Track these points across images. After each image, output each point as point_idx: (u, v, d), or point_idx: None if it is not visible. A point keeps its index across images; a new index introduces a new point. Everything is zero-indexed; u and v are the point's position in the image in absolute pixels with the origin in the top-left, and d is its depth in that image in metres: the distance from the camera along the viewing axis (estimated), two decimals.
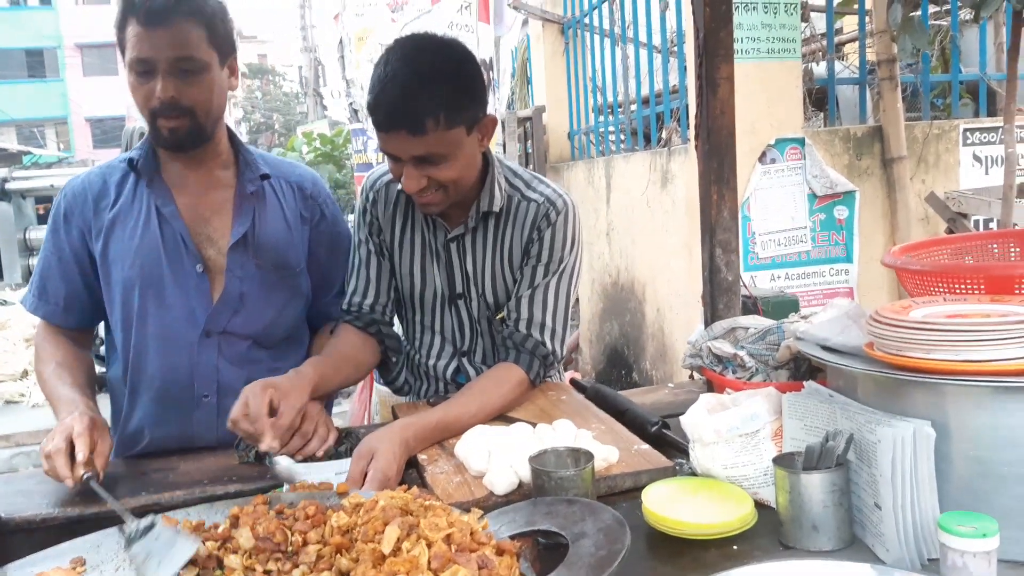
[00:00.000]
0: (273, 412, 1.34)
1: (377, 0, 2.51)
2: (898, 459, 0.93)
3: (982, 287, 1.08)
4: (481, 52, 2.65)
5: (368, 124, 2.58)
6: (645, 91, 4.67)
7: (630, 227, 4.49)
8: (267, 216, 1.63)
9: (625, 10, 4.82)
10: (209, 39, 1.49)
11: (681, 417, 1.23)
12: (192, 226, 1.58)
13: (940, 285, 1.12)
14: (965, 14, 4.30)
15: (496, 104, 5.69)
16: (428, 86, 1.38)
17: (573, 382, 1.76)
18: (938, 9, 4.50)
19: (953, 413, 0.95)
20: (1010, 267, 1.17)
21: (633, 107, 4.82)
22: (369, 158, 2.56)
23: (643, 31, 4.58)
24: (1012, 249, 1.31)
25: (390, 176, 1.59)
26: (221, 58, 1.53)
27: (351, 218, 1.79)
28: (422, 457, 1.33)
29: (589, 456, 1.12)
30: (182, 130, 1.50)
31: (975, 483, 0.94)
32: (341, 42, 2.59)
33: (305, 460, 1.34)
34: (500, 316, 1.65)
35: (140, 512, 1.24)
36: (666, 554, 1.03)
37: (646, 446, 1.32)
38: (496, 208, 1.60)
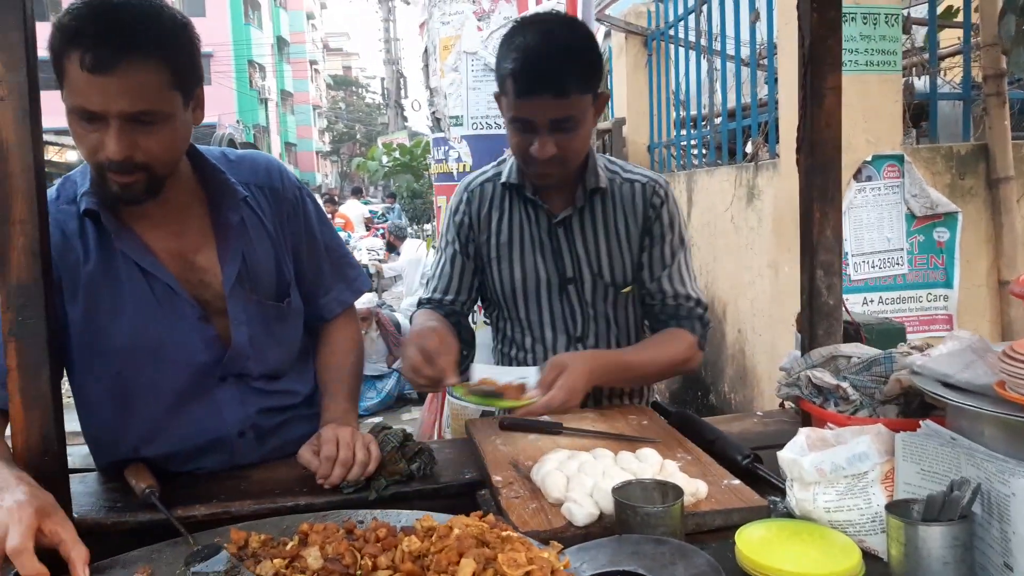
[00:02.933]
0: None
1: (463, 9, 2.51)
2: None
3: None
4: None
5: (451, 132, 2.59)
6: (730, 104, 4.53)
7: (712, 244, 4.35)
8: (253, 243, 1.46)
9: (712, 21, 4.70)
10: (171, 79, 1.23)
11: (778, 452, 1.13)
12: (180, 275, 1.39)
13: None
14: None
15: None
16: (571, 54, 1.49)
17: (655, 405, 1.67)
18: None
19: None
20: None
21: (718, 120, 4.68)
22: (450, 167, 2.56)
23: (730, 43, 4.45)
24: None
25: (486, 176, 1.76)
26: (185, 97, 1.28)
27: (428, 227, 1.87)
28: (497, 479, 1.27)
29: (679, 491, 1.04)
30: (138, 186, 1.26)
31: None
32: (426, 51, 2.60)
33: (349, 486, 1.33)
34: (626, 290, 1.73)
35: (209, 521, 1.22)
36: None
37: (737, 481, 1.22)
38: (602, 185, 1.67)
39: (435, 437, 3.21)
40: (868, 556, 1.00)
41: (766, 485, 1.25)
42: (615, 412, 1.58)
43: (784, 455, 1.11)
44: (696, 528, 1.12)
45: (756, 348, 3.85)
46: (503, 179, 1.72)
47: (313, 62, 51.06)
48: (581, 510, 1.10)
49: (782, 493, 1.15)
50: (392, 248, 10.23)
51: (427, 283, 1.81)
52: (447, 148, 2.81)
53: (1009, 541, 0.85)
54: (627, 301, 1.75)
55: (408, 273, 8.03)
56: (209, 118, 1.48)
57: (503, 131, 2.72)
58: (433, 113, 2.83)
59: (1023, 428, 0.90)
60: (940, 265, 3.40)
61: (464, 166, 2.86)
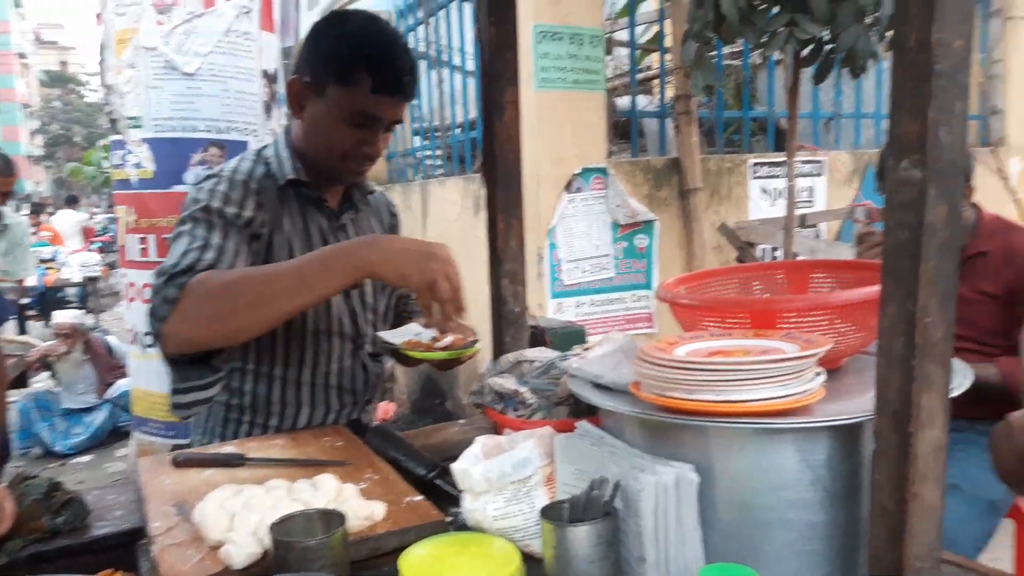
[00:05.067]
0: None
1: None
2: (661, 508, 0.87)
3: (748, 321, 1.06)
4: (265, 63, 2.45)
5: (129, 135, 2.31)
6: (461, 116, 4.64)
7: None
8: None
9: (440, 34, 4.78)
10: None
11: (452, 464, 1.12)
12: None
13: (708, 319, 1.10)
14: (756, 57, 4.64)
15: None
16: (411, 55, 1.50)
17: (355, 424, 1.62)
18: (733, 50, 4.82)
19: (717, 457, 0.90)
20: (771, 302, 1.17)
21: (450, 131, 4.77)
22: (127, 173, 2.23)
23: (459, 56, 4.56)
24: (781, 280, 1.32)
25: (259, 171, 1.54)
26: None
27: None
28: (155, 525, 1.13)
29: (340, 520, 0.98)
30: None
31: (739, 529, 0.90)
32: (102, 45, 2.28)
33: None
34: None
35: None
36: None
37: (419, 497, 1.19)
38: (372, 189, 1.71)
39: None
40: (533, 560, 1.01)
41: (450, 499, 1.23)
42: (307, 435, 1.49)
43: (457, 466, 1.10)
44: (371, 553, 1.07)
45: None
46: (283, 176, 1.53)
47: (22, 55, 45.12)
48: (241, 551, 1.00)
49: None
50: (115, 265, 9.26)
51: (186, 260, 1.37)
52: (125, 152, 2.53)
53: (641, 535, 0.89)
54: (395, 302, 1.76)
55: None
56: None
57: (191, 134, 2.49)
58: (109, 113, 2.54)
59: (655, 426, 0.96)
60: (642, 269, 3.72)
61: (145, 172, 2.59)
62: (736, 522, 0.90)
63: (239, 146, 2.52)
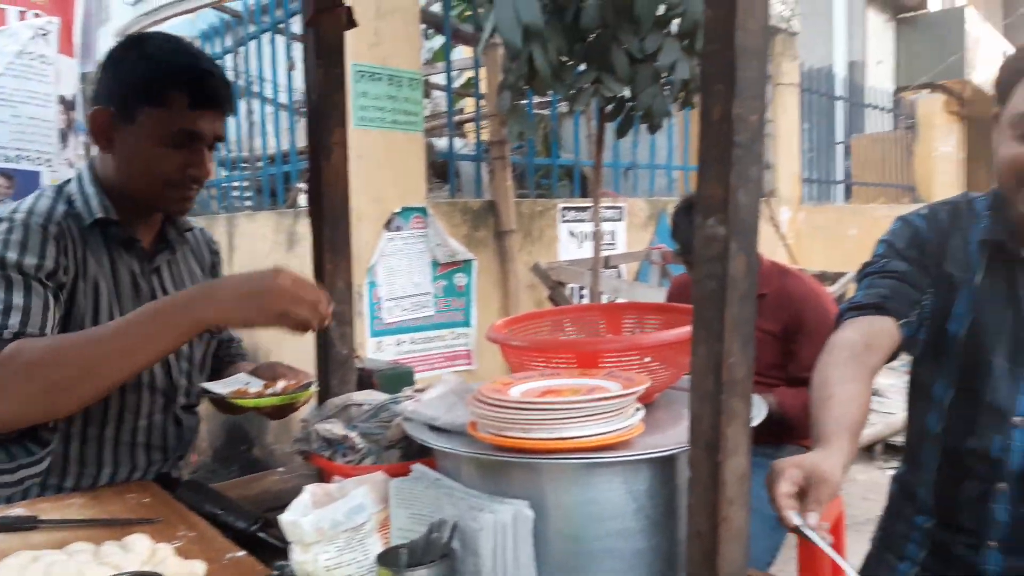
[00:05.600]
0: None
1: None
2: (499, 546, 0.90)
3: (573, 361, 1.13)
4: (63, 88, 2.27)
5: None
6: (272, 148, 4.51)
7: None
8: None
9: (250, 64, 4.64)
10: None
11: (280, 516, 1.08)
12: None
13: (536, 359, 1.15)
14: (563, 107, 4.92)
15: None
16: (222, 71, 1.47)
17: (163, 477, 1.51)
18: (542, 100, 5.08)
19: (550, 492, 0.95)
20: (595, 342, 1.25)
21: (259, 164, 4.61)
22: None
23: (270, 88, 4.44)
24: (599, 323, 1.41)
25: (58, 212, 1.37)
26: None
27: None
28: None
29: None
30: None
31: (571, 561, 0.95)
32: None
33: None
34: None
35: None
36: None
37: (242, 553, 1.14)
38: (190, 226, 1.61)
39: None
40: None
41: (276, 552, 1.19)
42: (109, 493, 1.37)
43: (285, 518, 1.06)
44: None
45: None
46: (90, 215, 1.38)
47: None
48: None
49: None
50: None
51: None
52: None
53: (480, 573, 0.91)
54: (215, 348, 1.67)
55: None
56: None
57: None
58: None
59: (492, 465, 0.99)
60: (461, 307, 3.79)
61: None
62: (567, 554, 0.94)
63: (30, 176, 2.28)
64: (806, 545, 2.43)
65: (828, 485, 0.97)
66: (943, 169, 9.52)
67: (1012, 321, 1.22)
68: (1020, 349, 1.21)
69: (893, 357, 1.29)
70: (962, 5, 13.54)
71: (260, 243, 4.16)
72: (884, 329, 1.24)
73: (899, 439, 4.63)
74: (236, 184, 5.03)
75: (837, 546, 2.62)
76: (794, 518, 0.96)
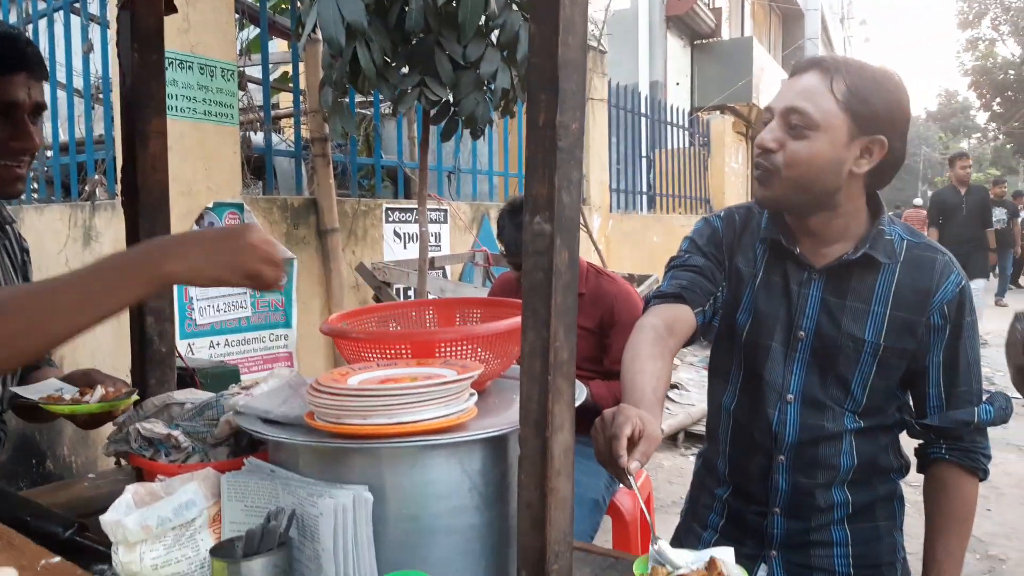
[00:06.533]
0: None
1: None
2: (339, 529, 0.92)
3: (409, 351, 1.17)
4: None
5: None
6: (64, 136, 4.14)
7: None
8: None
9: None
10: None
11: (101, 516, 1.04)
12: None
13: (373, 351, 1.18)
14: (385, 108, 4.92)
15: None
16: None
17: None
18: (364, 100, 5.04)
19: (389, 475, 0.98)
20: (431, 333, 1.30)
21: (49, 153, 4.22)
22: None
23: (63, 71, 4.07)
24: (429, 314, 1.46)
25: None
26: None
27: None
28: None
29: None
30: None
31: (410, 540, 0.98)
32: None
33: None
34: None
35: None
36: None
37: (57, 559, 1.07)
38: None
39: None
40: None
41: (93, 555, 1.13)
42: None
43: (107, 518, 1.02)
44: None
45: None
46: None
47: None
48: None
49: (111, 561, 1.06)
50: None
51: None
52: None
53: (320, 558, 0.93)
54: None
55: None
56: None
57: None
58: None
59: (329, 453, 1.01)
60: (280, 307, 3.68)
61: None
62: (406, 532, 0.98)
63: None
64: (620, 525, 2.63)
65: (654, 441, 1.09)
66: (733, 182, 10.49)
67: (785, 310, 1.41)
68: (791, 335, 1.41)
69: (691, 340, 1.45)
70: (749, 35, 15.00)
71: (51, 238, 3.81)
72: (683, 316, 1.39)
73: (699, 428, 5.07)
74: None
75: (645, 524, 2.85)
76: (631, 464, 1.05)
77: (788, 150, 1.30)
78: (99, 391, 1.34)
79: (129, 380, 1.58)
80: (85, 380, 1.41)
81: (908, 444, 1.46)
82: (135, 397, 1.37)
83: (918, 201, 22.32)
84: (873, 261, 1.36)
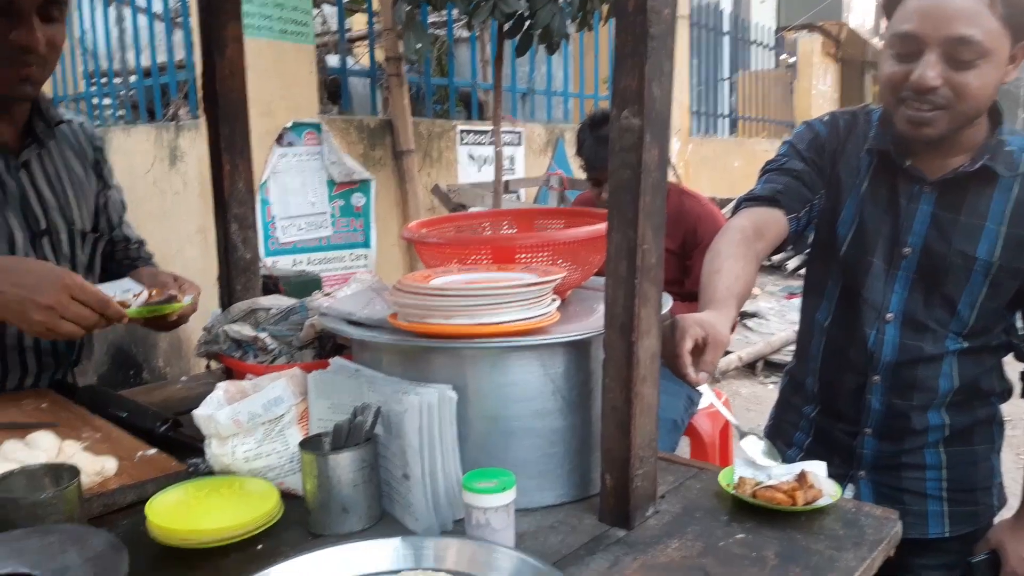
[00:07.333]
0: None
1: None
2: (424, 426, 0.93)
3: (489, 257, 1.15)
4: None
5: None
6: (146, 61, 4.21)
7: (134, 209, 3.99)
8: None
9: None
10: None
11: (194, 411, 1.07)
12: None
13: (454, 256, 1.17)
14: (459, 30, 4.82)
15: None
16: None
17: (58, 384, 1.45)
18: (437, 20, 4.95)
19: (471, 376, 0.98)
20: (511, 239, 1.28)
21: (132, 77, 4.31)
22: None
23: None
24: (508, 227, 1.44)
25: None
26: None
27: None
28: None
29: (74, 472, 0.89)
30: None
31: (491, 440, 0.99)
32: None
33: None
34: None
35: None
36: (180, 570, 0.88)
37: (153, 451, 1.12)
38: (67, 117, 1.53)
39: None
40: (289, 497, 1.01)
41: (187, 449, 1.17)
42: (5, 400, 1.31)
43: (199, 412, 1.05)
44: (105, 509, 1.00)
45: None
46: None
47: None
48: None
49: (204, 454, 1.10)
50: None
51: None
52: None
53: (406, 453, 0.94)
54: (99, 251, 1.57)
55: None
56: None
57: None
58: None
59: (412, 351, 1.01)
60: (359, 227, 3.73)
61: None
62: (489, 433, 0.98)
63: None
64: (698, 446, 2.62)
65: (721, 346, 1.06)
66: (820, 106, 10.00)
67: (890, 226, 1.33)
68: (895, 252, 1.33)
69: (781, 248, 1.39)
70: None
71: (139, 160, 3.92)
72: (775, 220, 1.33)
73: (778, 357, 4.97)
74: (106, 99, 4.69)
75: (724, 451, 2.82)
76: (697, 375, 1.04)
77: (955, 83, 1.18)
78: (143, 295, 1.34)
79: (216, 286, 1.62)
80: (152, 281, 1.43)
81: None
82: (185, 303, 1.37)
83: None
84: (991, 173, 1.26)
